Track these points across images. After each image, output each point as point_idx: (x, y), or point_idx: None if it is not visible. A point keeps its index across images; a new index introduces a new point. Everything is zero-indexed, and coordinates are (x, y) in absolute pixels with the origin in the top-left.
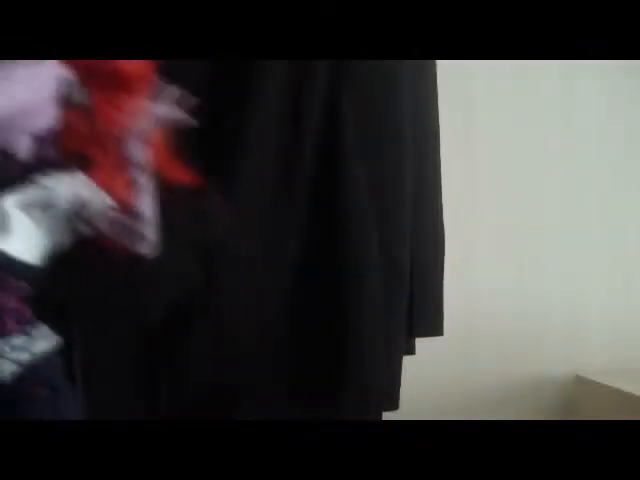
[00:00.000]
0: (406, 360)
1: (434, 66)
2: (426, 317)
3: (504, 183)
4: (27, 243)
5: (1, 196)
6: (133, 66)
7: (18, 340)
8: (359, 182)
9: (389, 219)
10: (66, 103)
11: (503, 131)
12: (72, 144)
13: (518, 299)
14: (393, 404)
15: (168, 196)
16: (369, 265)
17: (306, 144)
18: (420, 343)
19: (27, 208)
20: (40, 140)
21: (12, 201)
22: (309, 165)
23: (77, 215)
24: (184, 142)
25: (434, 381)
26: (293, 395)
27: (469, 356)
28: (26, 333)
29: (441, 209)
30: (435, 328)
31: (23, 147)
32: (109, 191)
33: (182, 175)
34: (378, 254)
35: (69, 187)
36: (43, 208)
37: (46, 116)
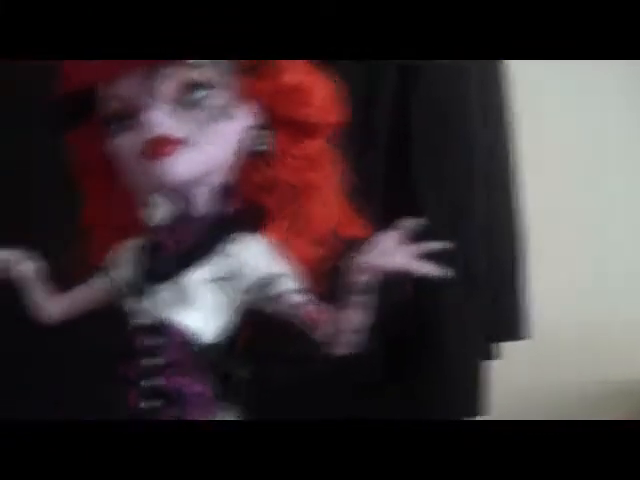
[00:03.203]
0: (489, 365)
1: (504, 67)
2: (510, 321)
3: (580, 183)
4: (209, 319)
5: (187, 268)
6: (320, 112)
7: None
8: (430, 183)
9: (462, 221)
10: (247, 151)
11: (574, 128)
12: (249, 194)
13: (601, 300)
14: (477, 410)
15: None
16: (444, 268)
17: (375, 145)
18: (503, 347)
19: (212, 281)
20: (218, 193)
21: (198, 274)
22: (378, 166)
23: (262, 291)
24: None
25: (518, 385)
26: (374, 399)
27: (554, 359)
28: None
29: (518, 209)
30: (517, 332)
31: (201, 201)
32: (286, 251)
33: (361, 230)
34: (452, 258)
35: (255, 255)
36: (228, 280)
37: (228, 167)
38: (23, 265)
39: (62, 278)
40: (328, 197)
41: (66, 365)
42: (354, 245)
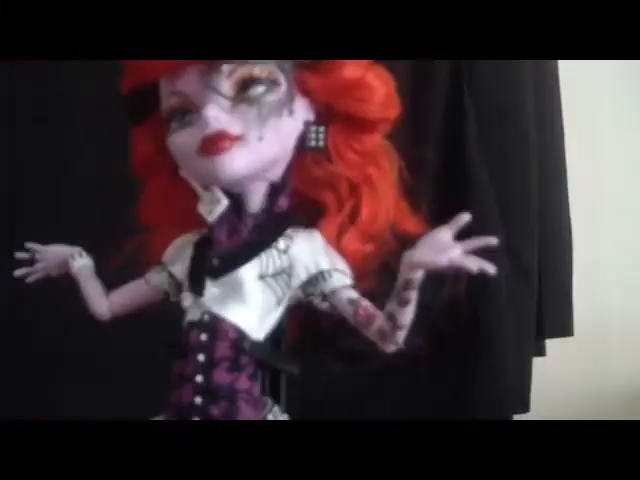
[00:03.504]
0: (536, 361)
1: (556, 64)
2: (556, 318)
3: (631, 179)
4: (260, 316)
5: (239, 264)
6: (379, 109)
7: None
8: (484, 181)
9: (515, 218)
10: (303, 146)
11: (627, 126)
12: (304, 189)
13: None
14: (524, 406)
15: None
16: (495, 264)
17: (429, 145)
18: (549, 343)
19: (264, 277)
20: (274, 188)
21: (251, 271)
22: (432, 166)
23: (315, 287)
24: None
25: (564, 382)
26: (422, 396)
27: (599, 356)
28: (264, 419)
29: (567, 207)
30: (565, 329)
31: (257, 197)
32: (339, 247)
33: (417, 227)
34: (504, 254)
35: (308, 251)
36: (280, 276)
37: (284, 162)
38: (80, 261)
39: (116, 274)
40: (384, 193)
41: (120, 360)
42: (408, 242)
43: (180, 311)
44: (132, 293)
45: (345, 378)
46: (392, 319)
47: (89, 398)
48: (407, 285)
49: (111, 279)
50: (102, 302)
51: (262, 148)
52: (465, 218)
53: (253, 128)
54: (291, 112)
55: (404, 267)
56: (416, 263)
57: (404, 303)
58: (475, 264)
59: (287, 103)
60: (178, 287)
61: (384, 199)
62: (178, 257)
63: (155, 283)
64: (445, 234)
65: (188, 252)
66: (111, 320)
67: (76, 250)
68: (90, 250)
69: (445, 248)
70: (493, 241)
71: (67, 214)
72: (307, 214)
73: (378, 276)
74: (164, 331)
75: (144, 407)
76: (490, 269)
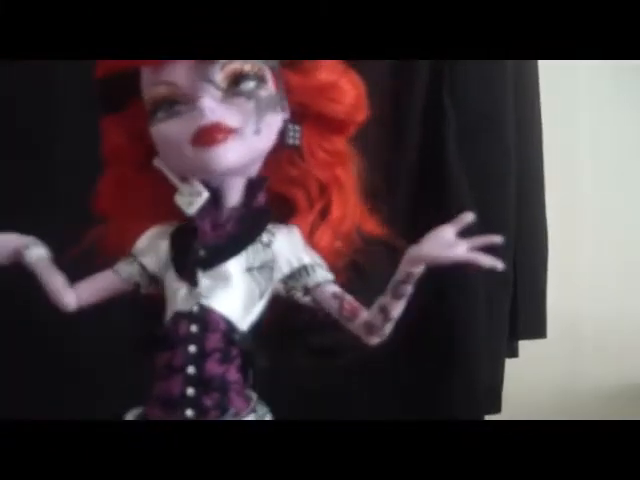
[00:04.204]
0: (508, 362)
1: (536, 65)
2: (529, 319)
3: (607, 183)
4: (244, 308)
5: (227, 257)
6: (349, 109)
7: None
8: (462, 183)
9: (492, 221)
10: (281, 144)
11: (605, 131)
12: (276, 186)
13: (621, 300)
14: (495, 407)
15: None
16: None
17: (407, 146)
18: (522, 345)
19: (248, 270)
20: (251, 183)
21: (235, 263)
22: (411, 167)
23: (298, 281)
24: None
25: (536, 383)
26: (396, 395)
27: (571, 358)
28: (254, 410)
29: (544, 211)
30: (538, 330)
31: (235, 192)
32: (312, 243)
33: (377, 228)
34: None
35: (289, 246)
36: (263, 269)
37: (262, 158)
38: (36, 251)
39: (78, 265)
40: (351, 194)
41: (96, 354)
42: (372, 242)
43: (154, 303)
44: (101, 283)
45: (317, 374)
46: (384, 311)
47: (65, 395)
48: (407, 278)
49: (72, 270)
50: (67, 293)
51: (257, 142)
52: (469, 217)
53: (250, 122)
54: (280, 109)
55: (406, 261)
56: (423, 257)
57: (400, 296)
58: (487, 260)
59: (281, 100)
60: (150, 279)
61: (351, 199)
62: (150, 249)
63: (125, 274)
64: (449, 231)
65: (163, 244)
66: (76, 311)
67: (30, 240)
68: (50, 240)
69: (451, 244)
70: (497, 239)
71: (27, 201)
72: (278, 211)
73: (346, 272)
74: (139, 324)
75: (116, 401)
76: (499, 265)
